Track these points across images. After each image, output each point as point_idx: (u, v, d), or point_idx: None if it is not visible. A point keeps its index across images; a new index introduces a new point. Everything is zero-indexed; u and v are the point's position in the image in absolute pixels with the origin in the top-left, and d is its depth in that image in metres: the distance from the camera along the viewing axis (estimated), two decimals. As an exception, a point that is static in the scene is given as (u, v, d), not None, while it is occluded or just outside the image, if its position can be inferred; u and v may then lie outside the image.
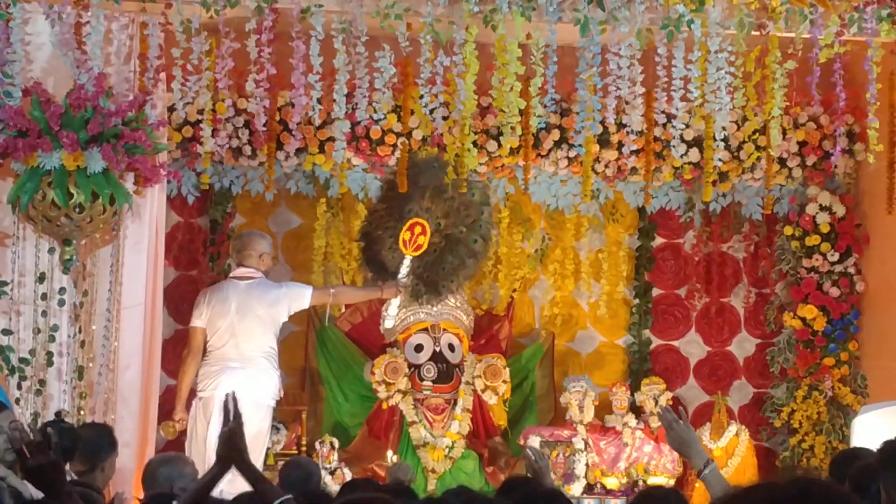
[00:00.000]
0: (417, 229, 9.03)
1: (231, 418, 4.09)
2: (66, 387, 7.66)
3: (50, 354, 7.61)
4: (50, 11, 7.51)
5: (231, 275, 8.87)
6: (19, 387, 7.51)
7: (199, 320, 8.66)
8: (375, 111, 8.43)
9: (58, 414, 6.91)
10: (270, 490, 4.06)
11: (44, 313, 7.61)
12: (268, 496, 4.00)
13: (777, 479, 2.62)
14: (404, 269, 9.05)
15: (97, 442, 6.44)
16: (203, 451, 8.28)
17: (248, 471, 4.08)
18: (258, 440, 8.33)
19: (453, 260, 9.32)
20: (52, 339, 7.62)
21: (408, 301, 9.31)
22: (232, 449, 4.03)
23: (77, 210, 7.47)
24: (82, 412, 7.65)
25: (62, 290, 7.64)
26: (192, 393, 8.58)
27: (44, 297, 7.61)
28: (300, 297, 8.76)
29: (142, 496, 5.90)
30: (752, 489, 2.60)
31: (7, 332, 7.53)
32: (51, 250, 7.64)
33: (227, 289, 8.72)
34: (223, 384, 8.41)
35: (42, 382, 7.59)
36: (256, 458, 8.28)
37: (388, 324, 9.22)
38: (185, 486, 6.05)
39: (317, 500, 5.16)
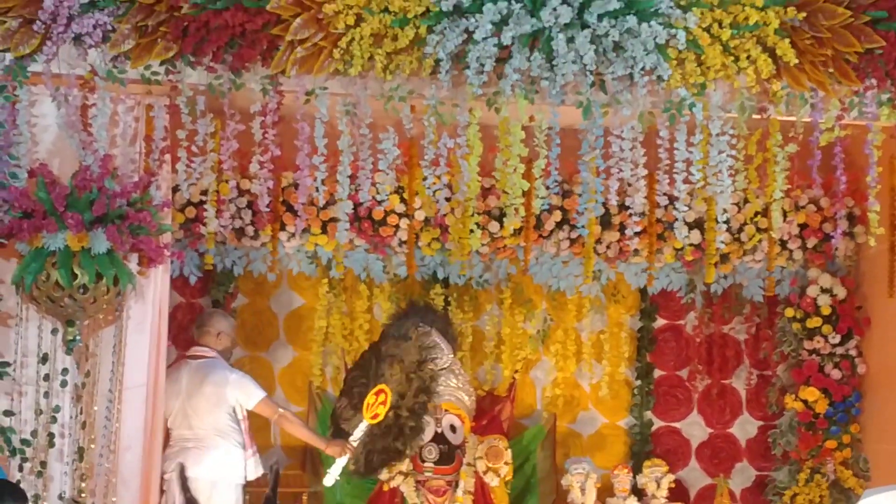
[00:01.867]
0: (381, 397, 8.91)
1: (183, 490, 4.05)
2: (66, 468, 7.62)
3: (51, 436, 7.58)
4: (56, 94, 7.57)
5: (186, 353, 8.90)
6: (20, 468, 7.47)
7: None
8: (378, 192, 8.46)
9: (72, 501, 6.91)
10: None
11: (46, 394, 7.59)
12: None
13: None
14: (358, 433, 8.86)
15: None
16: None
17: None
18: None
19: (392, 444, 9.07)
20: (53, 420, 7.59)
21: (346, 470, 8.96)
22: None
23: (81, 291, 7.48)
24: (83, 495, 7.60)
25: (65, 371, 7.63)
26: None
27: (46, 377, 7.60)
28: (247, 396, 8.68)
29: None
30: None
31: (9, 413, 7.51)
32: (54, 331, 7.64)
33: (181, 369, 8.77)
34: (182, 466, 8.46)
35: (43, 464, 7.55)
36: None
37: (327, 481, 8.85)
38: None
39: None
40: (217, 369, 8.73)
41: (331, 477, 8.85)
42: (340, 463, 8.82)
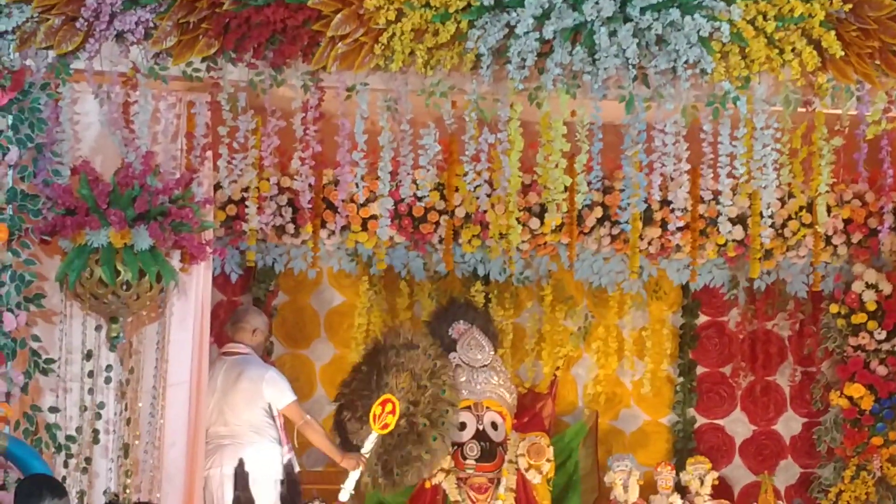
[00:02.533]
0: (388, 406, 8.88)
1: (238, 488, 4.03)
2: (111, 465, 7.64)
3: (96, 432, 7.61)
4: (99, 91, 7.60)
5: (221, 350, 8.87)
6: (66, 465, 7.51)
7: None
8: (419, 188, 8.45)
9: (114, 495, 6.93)
10: None
11: (90, 391, 7.62)
12: None
13: None
14: (369, 445, 8.84)
15: None
16: None
17: None
18: None
19: (412, 451, 9.08)
20: (98, 416, 7.62)
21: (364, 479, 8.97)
22: None
23: (124, 287, 7.50)
24: (128, 490, 7.62)
25: (109, 368, 7.65)
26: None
27: (90, 374, 7.63)
28: (280, 396, 8.64)
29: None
30: None
31: (54, 409, 7.54)
32: (98, 328, 7.67)
33: (216, 366, 8.73)
34: (217, 461, 8.46)
35: (88, 460, 7.58)
36: None
37: (342, 496, 8.80)
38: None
39: None
40: (253, 365, 8.73)
41: (345, 492, 8.81)
42: (354, 476, 8.78)
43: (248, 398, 8.61)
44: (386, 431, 8.85)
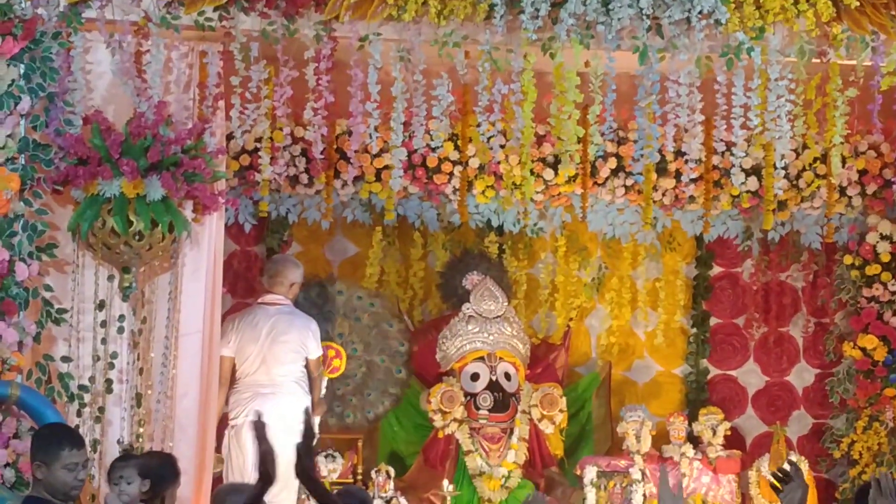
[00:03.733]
0: (331, 352, 9.04)
1: (260, 440, 4.04)
2: (124, 414, 7.67)
3: (109, 382, 7.63)
4: (110, 40, 7.56)
5: (259, 300, 8.86)
6: (79, 414, 7.53)
7: (226, 349, 8.59)
8: (432, 139, 8.42)
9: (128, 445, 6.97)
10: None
11: (103, 340, 7.63)
12: None
13: None
14: (322, 390, 8.95)
15: (160, 471, 6.43)
16: (240, 480, 8.28)
17: (315, 488, 4.05)
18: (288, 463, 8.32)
19: (377, 387, 9.42)
20: (111, 366, 7.63)
21: (335, 423, 9.39)
22: (304, 475, 4.00)
23: (136, 237, 7.50)
24: (141, 439, 7.65)
25: (121, 318, 7.66)
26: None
27: (103, 324, 7.63)
28: (315, 348, 8.74)
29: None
30: None
31: (66, 359, 7.56)
32: (110, 278, 7.67)
33: (257, 314, 8.72)
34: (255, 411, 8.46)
35: (101, 409, 7.60)
36: (291, 484, 8.28)
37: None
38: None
39: None
40: (300, 317, 8.76)
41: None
42: (315, 420, 8.81)
43: (295, 349, 8.63)
44: (335, 375, 9.06)
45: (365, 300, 9.55)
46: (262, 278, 8.99)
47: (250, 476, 8.33)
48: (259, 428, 4.06)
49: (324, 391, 8.95)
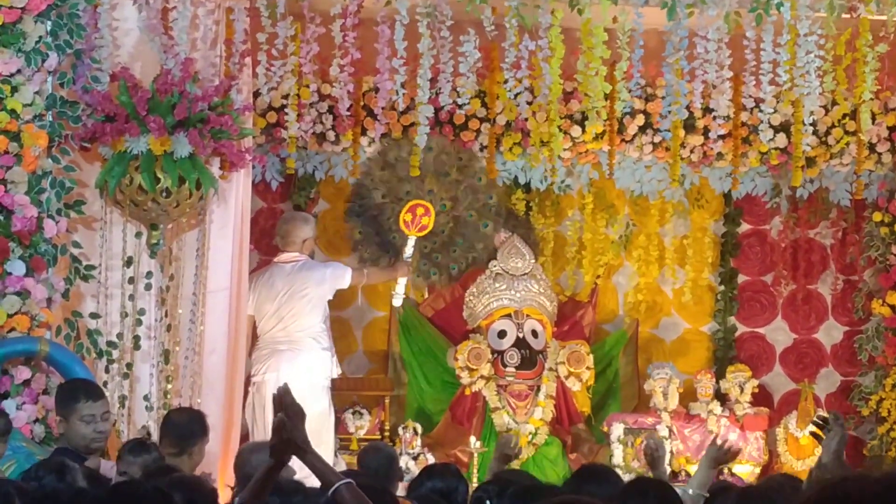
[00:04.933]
0: (420, 210, 9.11)
1: (283, 408, 3.99)
2: (153, 370, 7.71)
3: (137, 338, 7.66)
4: (137, -3, 7.56)
5: (276, 259, 8.96)
6: (107, 370, 7.57)
7: (247, 308, 8.69)
8: (459, 96, 8.41)
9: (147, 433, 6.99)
10: (331, 474, 4.00)
11: (131, 297, 7.66)
12: (328, 480, 3.96)
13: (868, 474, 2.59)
14: (409, 250, 9.11)
15: (188, 427, 6.46)
16: (263, 436, 8.33)
17: (307, 458, 4.01)
18: (319, 421, 8.38)
19: (463, 243, 9.45)
20: (139, 322, 7.66)
21: (420, 281, 9.48)
22: (287, 441, 3.96)
23: (164, 194, 7.52)
24: (168, 395, 7.69)
25: (149, 274, 7.69)
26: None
27: (131, 280, 7.66)
28: (342, 277, 8.88)
29: (231, 483, 5.91)
30: (844, 484, 2.57)
31: (95, 315, 7.59)
32: (138, 234, 7.69)
33: (273, 273, 8.83)
34: (273, 367, 8.51)
35: (129, 366, 7.64)
36: (325, 439, 8.33)
37: (395, 301, 9.24)
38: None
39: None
40: (314, 268, 8.86)
41: (398, 297, 9.18)
42: (402, 281, 9.10)
43: (314, 303, 8.71)
44: (424, 233, 9.13)
45: (453, 156, 9.47)
46: (276, 240, 9.04)
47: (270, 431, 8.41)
48: (276, 398, 4.01)
49: (411, 251, 9.09)
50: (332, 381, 8.75)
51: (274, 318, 8.72)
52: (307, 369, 8.56)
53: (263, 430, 8.38)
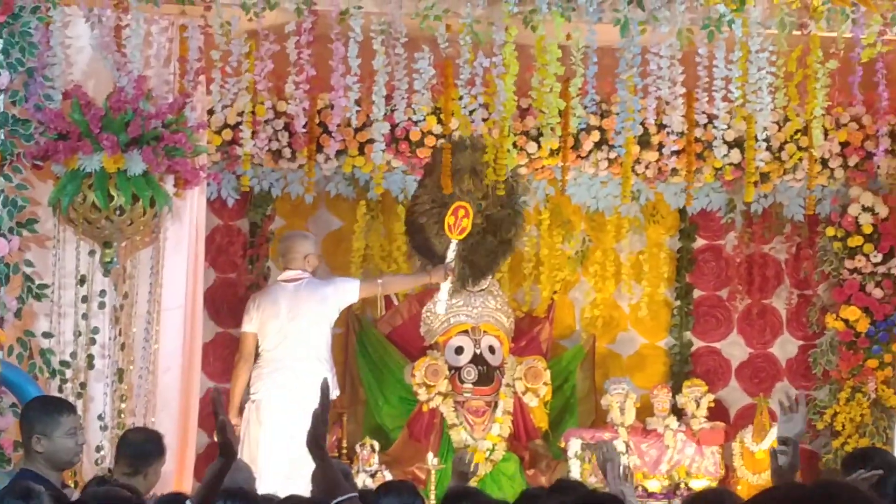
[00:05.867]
0: (461, 212, 9.04)
1: (322, 404, 4.08)
2: (107, 389, 7.68)
3: (91, 357, 7.63)
4: (90, 14, 7.53)
5: (279, 278, 8.98)
6: (60, 390, 7.53)
7: (249, 325, 8.80)
8: (415, 112, 8.42)
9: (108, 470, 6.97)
10: (341, 486, 4.05)
11: (84, 316, 7.63)
12: (333, 492, 4.00)
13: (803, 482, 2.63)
14: (451, 254, 9.06)
15: (144, 447, 6.43)
16: (256, 454, 8.33)
17: (324, 463, 4.08)
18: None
19: (493, 241, 9.38)
20: (92, 341, 7.64)
21: (457, 285, 9.29)
22: (314, 438, 4.04)
23: (117, 212, 7.50)
24: (123, 415, 7.66)
25: (102, 293, 7.66)
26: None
27: (84, 299, 7.63)
28: (349, 292, 8.85)
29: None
30: (775, 490, 2.61)
31: (48, 335, 7.56)
32: (91, 253, 7.67)
33: (276, 292, 8.83)
34: (276, 386, 8.49)
35: (83, 385, 7.61)
36: (305, 461, 8.29)
37: (439, 308, 9.20)
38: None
39: None
40: (316, 287, 8.82)
41: (441, 303, 9.14)
42: (445, 287, 9.06)
43: (318, 322, 8.71)
44: (464, 236, 9.04)
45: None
46: (279, 260, 9.07)
47: (265, 451, 8.40)
48: (215, 401, 4.09)
49: (453, 254, 9.03)
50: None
51: (278, 336, 8.71)
52: (308, 391, 8.53)
53: (256, 446, 8.38)
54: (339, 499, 3.97)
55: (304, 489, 6.47)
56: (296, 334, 8.68)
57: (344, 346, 9.69)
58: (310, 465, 7.04)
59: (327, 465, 4.08)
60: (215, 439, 4.23)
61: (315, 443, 4.05)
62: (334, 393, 8.76)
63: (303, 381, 8.47)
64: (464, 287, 9.36)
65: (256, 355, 8.81)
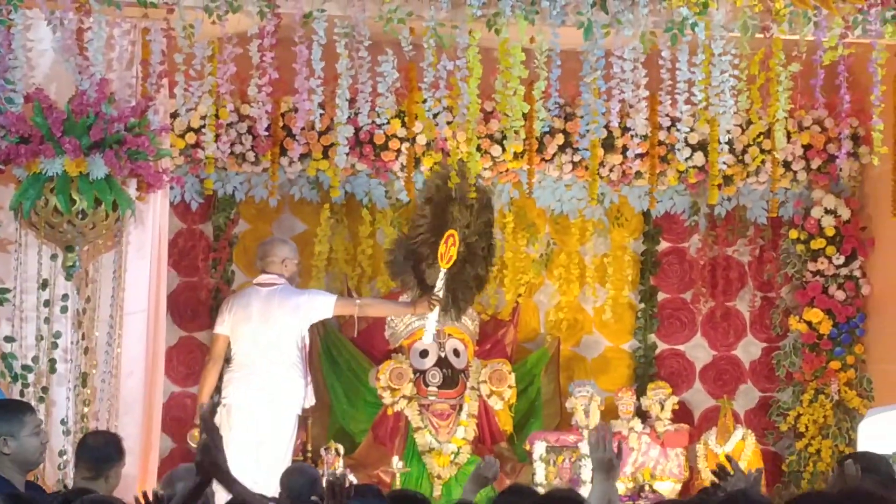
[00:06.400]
0: (450, 241, 9.02)
1: (206, 430, 4.03)
2: (69, 393, 7.64)
3: (53, 361, 7.60)
4: (51, 17, 7.49)
5: (254, 281, 8.94)
6: (22, 394, 7.49)
7: (220, 327, 8.79)
8: (379, 116, 8.41)
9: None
10: (251, 499, 4.03)
11: (46, 320, 7.60)
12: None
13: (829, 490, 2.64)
14: (440, 283, 9.00)
15: (104, 450, 6.40)
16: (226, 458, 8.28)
17: (226, 481, 4.05)
18: (280, 448, 8.36)
19: (471, 270, 9.37)
20: (54, 345, 7.60)
21: (442, 315, 9.22)
22: (208, 462, 4.00)
23: (80, 216, 7.46)
24: (86, 419, 7.63)
25: (65, 297, 7.62)
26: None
27: (46, 303, 7.60)
28: (323, 306, 8.79)
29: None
30: (805, 497, 2.62)
31: (10, 339, 7.52)
32: (53, 257, 7.63)
33: (250, 295, 8.80)
34: (246, 391, 8.47)
35: (45, 389, 7.57)
36: (281, 466, 8.29)
37: (426, 338, 9.17)
38: (204, 500, 6.06)
39: None
40: (289, 296, 8.76)
41: (428, 334, 9.07)
42: (433, 317, 8.98)
43: (286, 330, 8.66)
44: (451, 264, 8.98)
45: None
46: (256, 263, 9.03)
47: (235, 455, 8.37)
48: (206, 418, 4.05)
49: (441, 283, 8.95)
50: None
51: (249, 341, 8.68)
52: (279, 395, 8.53)
53: (226, 451, 8.33)
54: None
55: (274, 493, 6.48)
56: (266, 340, 8.65)
57: (309, 350, 9.67)
58: (279, 469, 7.11)
59: (236, 486, 4.04)
60: (196, 459, 4.17)
61: (213, 468, 4.00)
62: (308, 402, 8.76)
63: (274, 386, 8.45)
64: (448, 318, 9.32)
65: (228, 358, 8.78)
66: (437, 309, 9.00)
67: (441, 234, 9.08)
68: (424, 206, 9.32)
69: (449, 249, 8.96)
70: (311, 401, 8.86)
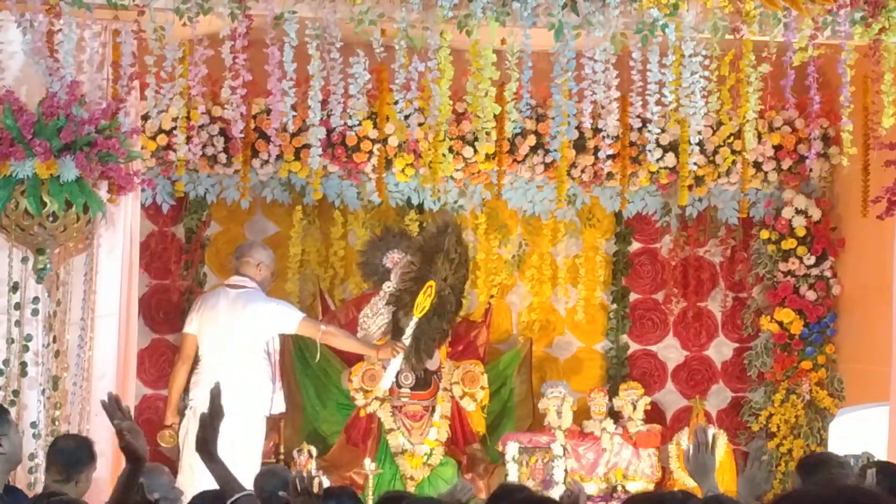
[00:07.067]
0: (428, 291, 9.12)
1: (212, 408, 4.11)
2: (40, 397, 7.60)
3: (24, 364, 7.56)
4: (21, 19, 7.46)
5: (226, 281, 8.96)
6: (-7, 397, 7.48)
7: (189, 327, 8.83)
8: (351, 117, 8.40)
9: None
10: (234, 485, 4.08)
11: (17, 323, 7.56)
12: (230, 491, 4.02)
13: (819, 488, 2.64)
14: (408, 331, 9.10)
15: (75, 454, 6.38)
16: (194, 460, 8.25)
17: (213, 465, 4.09)
18: (243, 450, 8.33)
19: (438, 323, 9.36)
20: (25, 348, 7.57)
21: (405, 363, 9.27)
22: (202, 442, 4.06)
23: (50, 219, 7.43)
24: (57, 422, 7.59)
25: (35, 300, 7.59)
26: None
27: (17, 306, 7.56)
28: (288, 321, 8.82)
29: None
30: (794, 495, 2.62)
31: (-20, 342, 7.49)
32: (24, 259, 7.59)
33: (219, 296, 8.83)
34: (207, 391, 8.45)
35: (16, 393, 7.54)
36: (241, 468, 8.25)
37: (384, 385, 9.22)
38: (164, 494, 6.05)
39: None
40: (256, 300, 8.77)
41: (387, 380, 9.13)
42: (395, 364, 9.04)
43: (251, 334, 8.68)
44: (423, 314, 9.08)
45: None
46: (232, 262, 9.06)
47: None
48: (108, 406, 4.10)
49: (410, 331, 9.06)
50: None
51: (216, 343, 8.70)
52: (245, 397, 8.50)
53: (194, 453, 8.30)
54: (235, 497, 3.99)
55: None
56: (232, 342, 8.66)
57: (281, 352, 9.65)
58: (248, 471, 7.10)
59: (218, 466, 4.11)
60: (197, 434, 4.27)
61: (204, 446, 4.09)
62: (277, 407, 8.75)
63: (240, 388, 8.43)
64: (409, 365, 9.34)
65: (197, 357, 8.78)
66: (400, 356, 9.05)
67: (423, 284, 9.14)
68: (416, 253, 9.32)
69: (425, 300, 9.06)
70: (280, 407, 8.84)
